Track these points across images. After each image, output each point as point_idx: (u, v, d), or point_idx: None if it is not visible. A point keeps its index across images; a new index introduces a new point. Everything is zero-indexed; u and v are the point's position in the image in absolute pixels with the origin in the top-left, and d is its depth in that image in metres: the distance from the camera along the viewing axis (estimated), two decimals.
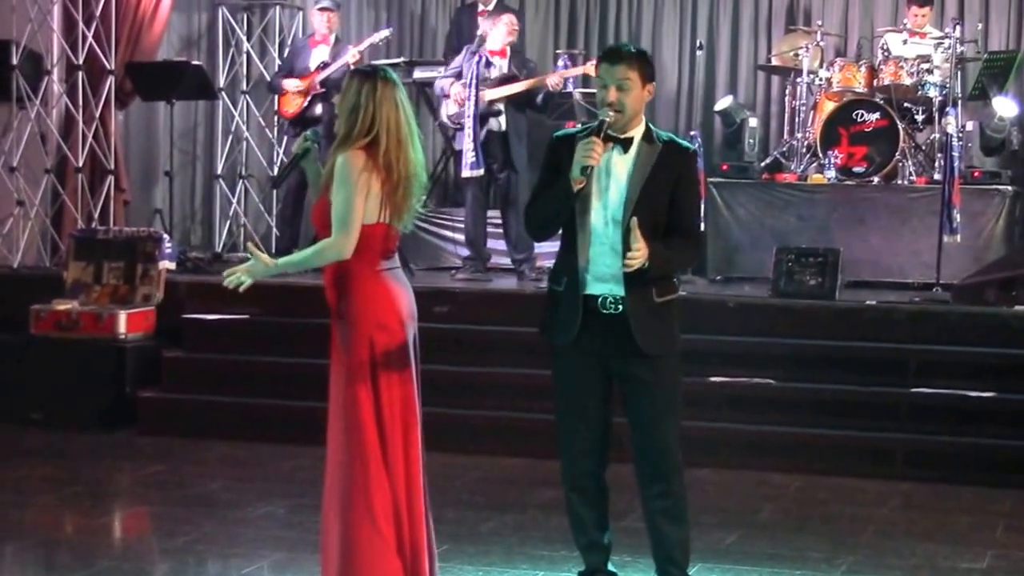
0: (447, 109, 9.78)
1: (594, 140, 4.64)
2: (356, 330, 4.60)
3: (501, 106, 9.59)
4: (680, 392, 4.91)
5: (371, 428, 4.58)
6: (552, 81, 9.65)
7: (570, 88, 10.13)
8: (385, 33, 10.65)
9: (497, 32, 9.71)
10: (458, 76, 9.70)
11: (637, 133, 4.79)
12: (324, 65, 10.26)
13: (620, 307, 4.74)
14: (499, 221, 10.00)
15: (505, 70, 9.67)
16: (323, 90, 10.17)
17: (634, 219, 4.65)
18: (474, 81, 9.50)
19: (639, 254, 4.58)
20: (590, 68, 9.44)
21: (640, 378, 4.79)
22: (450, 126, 9.80)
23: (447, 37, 11.75)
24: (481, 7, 11.21)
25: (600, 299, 4.76)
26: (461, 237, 10.23)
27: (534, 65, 9.97)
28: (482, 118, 9.55)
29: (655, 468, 4.83)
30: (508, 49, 9.78)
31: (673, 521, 4.87)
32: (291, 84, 10.32)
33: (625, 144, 4.77)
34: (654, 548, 4.92)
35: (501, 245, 10.08)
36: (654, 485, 4.84)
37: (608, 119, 4.70)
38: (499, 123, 9.63)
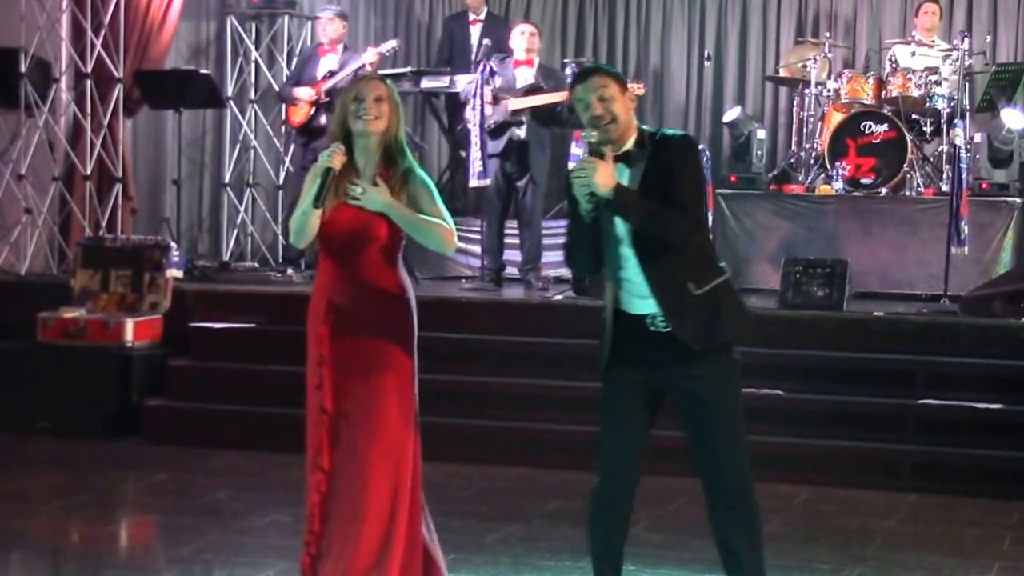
0: (481, 112, 9.48)
1: (585, 162, 4.43)
2: (409, 329, 4.80)
3: (524, 116, 9.45)
4: (740, 403, 4.72)
5: None
6: (567, 95, 9.46)
7: None
8: (392, 44, 10.60)
9: (516, 42, 9.67)
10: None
11: (631, 143, 4.58)
12: (331, 74, 10.23)
13: (667, 326, 4.51)
14: (515, 231, 9.88)
15: (531, 80, 9.56)
16: (328, 99, 10.08)
17: (608, 149, 4.49)
18: (478, 92, 9.45)
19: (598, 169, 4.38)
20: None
21: (693, 393, 4.60)
22: (478, 131, 9.53)
23: (439, 47, 11.70)
24: (472, 17, 11.20)
25: (647, 318, 4.53)
26: (466, 247, 10.17)
27: (564, 77, 9.71)
28: (503, 127, 9.44)
29: (723, 487, 4.64)
30: (535, 59, 9.67)
31: (746, 544, 4.62)
32: (302, 93, 10.28)
33: (624, 158, 4.56)
34: (727, 572, 4.67)
35: (512, 255, 9.97)
36: (723, 507, 4.63)
37: (593, 138, 4.48)
38: (521, 133, 9.46)
